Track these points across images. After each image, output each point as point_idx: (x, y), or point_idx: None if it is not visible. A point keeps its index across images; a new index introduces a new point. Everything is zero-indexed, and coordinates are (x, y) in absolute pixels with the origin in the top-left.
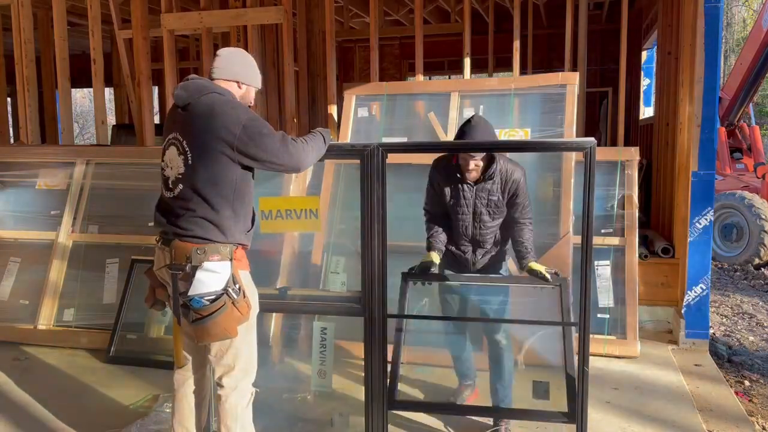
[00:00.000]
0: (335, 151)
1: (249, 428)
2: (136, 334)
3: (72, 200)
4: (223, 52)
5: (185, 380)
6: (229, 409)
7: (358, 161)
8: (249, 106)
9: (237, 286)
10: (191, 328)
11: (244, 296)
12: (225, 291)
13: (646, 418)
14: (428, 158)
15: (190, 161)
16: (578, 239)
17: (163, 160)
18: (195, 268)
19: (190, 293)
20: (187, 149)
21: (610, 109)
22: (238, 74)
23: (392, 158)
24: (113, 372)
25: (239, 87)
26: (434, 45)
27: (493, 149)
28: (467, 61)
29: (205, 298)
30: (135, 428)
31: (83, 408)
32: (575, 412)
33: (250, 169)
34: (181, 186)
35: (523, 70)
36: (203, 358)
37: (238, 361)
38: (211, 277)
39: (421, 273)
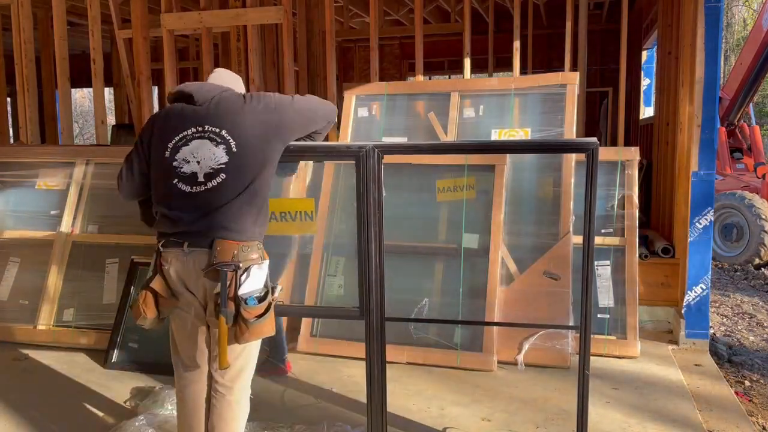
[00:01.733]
0: (331, 152)
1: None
2: (138, 335)
3: (72, 200)
4: (215, 71)
5: (201, 390)
6: (242, 409)
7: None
8: None
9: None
10: (242, 328)
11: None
12: (267, 287)
13: (646, 417)
14: (428, 158)
15: (234, 149)
16: (578, 239)
17: (175, 159)
18: (248, 267)
19: (244, 292)
20: (228, 138)
21: (610, 109)
22: (230, 84)
23: (392, 158)
24: (113, 372)
25: None
26: (434, 45)
27: (494, 150)
28: (467, 61)
29: (256, 296)
30: (134, 423)
31: (83, 408)
32: None
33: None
34: (222, 176)
35: (523, 70)
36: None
37: (251, 360)
38: (259, 274)
39: None
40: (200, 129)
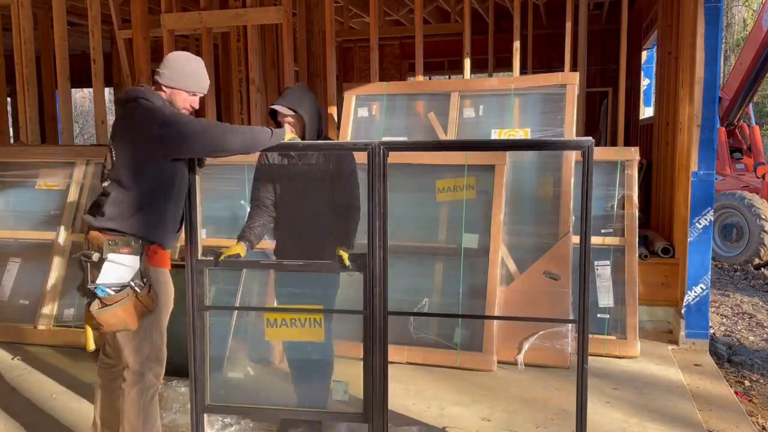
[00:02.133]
0: (338, 150)
1: (152, 422)
2: None
3: (72, 200)
4: (169, 58)
5: (105, 371)
6: (131, 403)
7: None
8: (188, 109)
9: (144, 280)
10: (93, 315)
11: (149, 291)
12: (129, 283)
13: (645, 417)
14: (429, 158)
15: (114, 157)
16: (578, 239)
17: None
18: (104, 258)
19: (97, 282)
20: (112, 147)
21: (610, 109)
22: (164, 78)
23: (392, 158)
24: None
25: (164, 91)
26: (434, 45)
27: (493, 149)
28: (467, 61)
29: (111, 288)
30: None
31: (83, 408)
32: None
33: (178, 166)
34: (108, 181)
35: (523, 70)
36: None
37: (137, 355)
38: (118, 268)
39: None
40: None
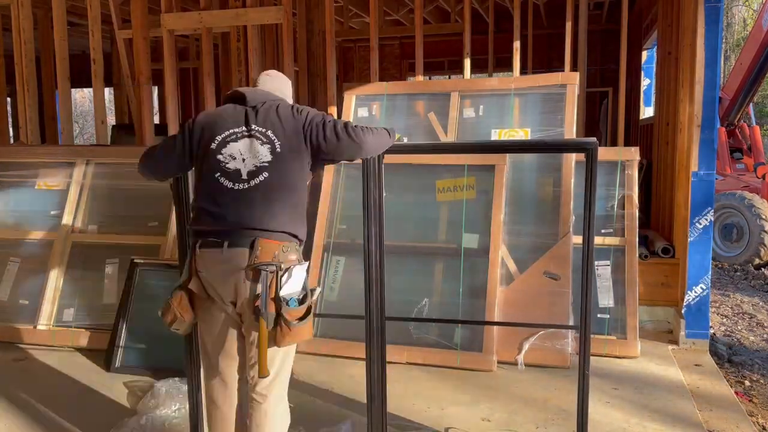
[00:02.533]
0: None
1: None
2: (138, 335)
3: (72, 200)
4: (271, 73)
5: (228, 400)
6: (280, 419)
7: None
8: None
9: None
10: (284, 330)
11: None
12: (306, 290)
13: (646, 417)
14: (428, 158)
15: (278, 149)
16: (579, 239)
17: (221, 153)
18: (289, 267)
19: (285, 293)
20: (273, 138)
21: (610, 109)
22: (278, 91)
23: (392, 158)
24: (113, 372)
25: None
26: (434, 45)
27: (494, 150)
28: (467, 61)
29: (296, 298)
30: (137, 423)
31: (84, 408)
32: None
33: (318, 164)
34: (265, 175)
35: (523, 70)
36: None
37: (286, 366)
38: (299, 276)
39: None
40: (248, 128)
